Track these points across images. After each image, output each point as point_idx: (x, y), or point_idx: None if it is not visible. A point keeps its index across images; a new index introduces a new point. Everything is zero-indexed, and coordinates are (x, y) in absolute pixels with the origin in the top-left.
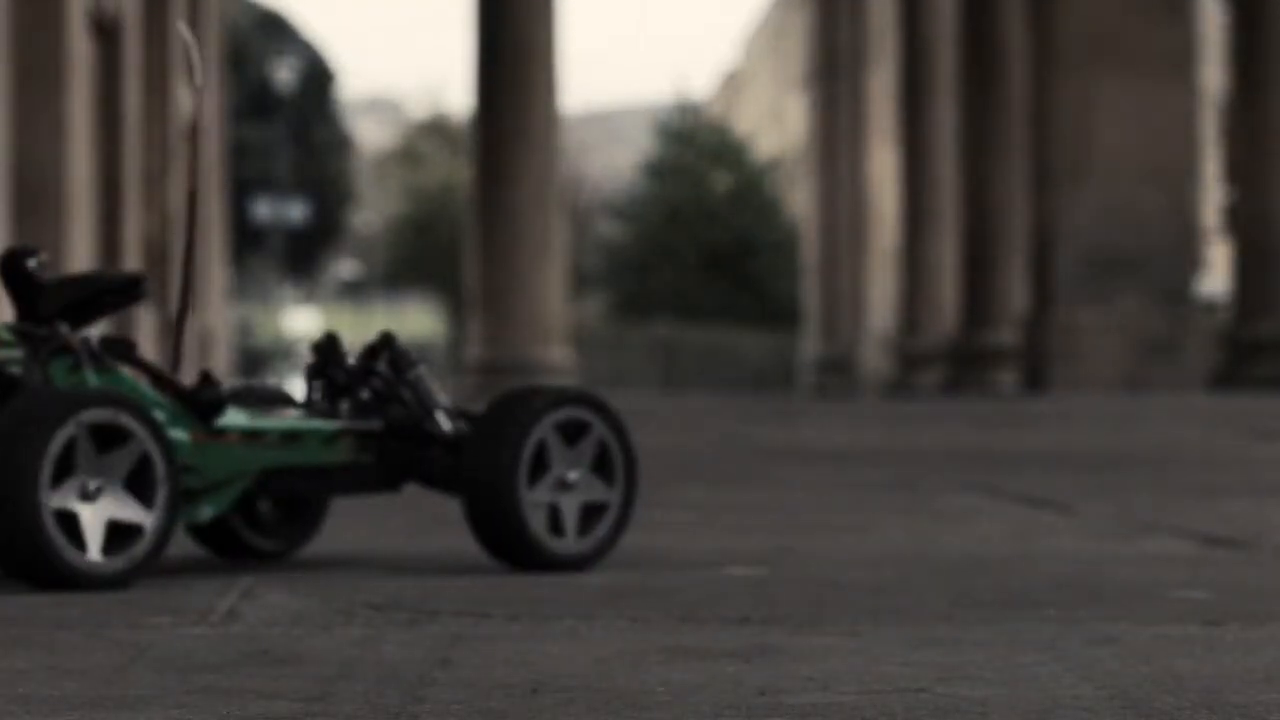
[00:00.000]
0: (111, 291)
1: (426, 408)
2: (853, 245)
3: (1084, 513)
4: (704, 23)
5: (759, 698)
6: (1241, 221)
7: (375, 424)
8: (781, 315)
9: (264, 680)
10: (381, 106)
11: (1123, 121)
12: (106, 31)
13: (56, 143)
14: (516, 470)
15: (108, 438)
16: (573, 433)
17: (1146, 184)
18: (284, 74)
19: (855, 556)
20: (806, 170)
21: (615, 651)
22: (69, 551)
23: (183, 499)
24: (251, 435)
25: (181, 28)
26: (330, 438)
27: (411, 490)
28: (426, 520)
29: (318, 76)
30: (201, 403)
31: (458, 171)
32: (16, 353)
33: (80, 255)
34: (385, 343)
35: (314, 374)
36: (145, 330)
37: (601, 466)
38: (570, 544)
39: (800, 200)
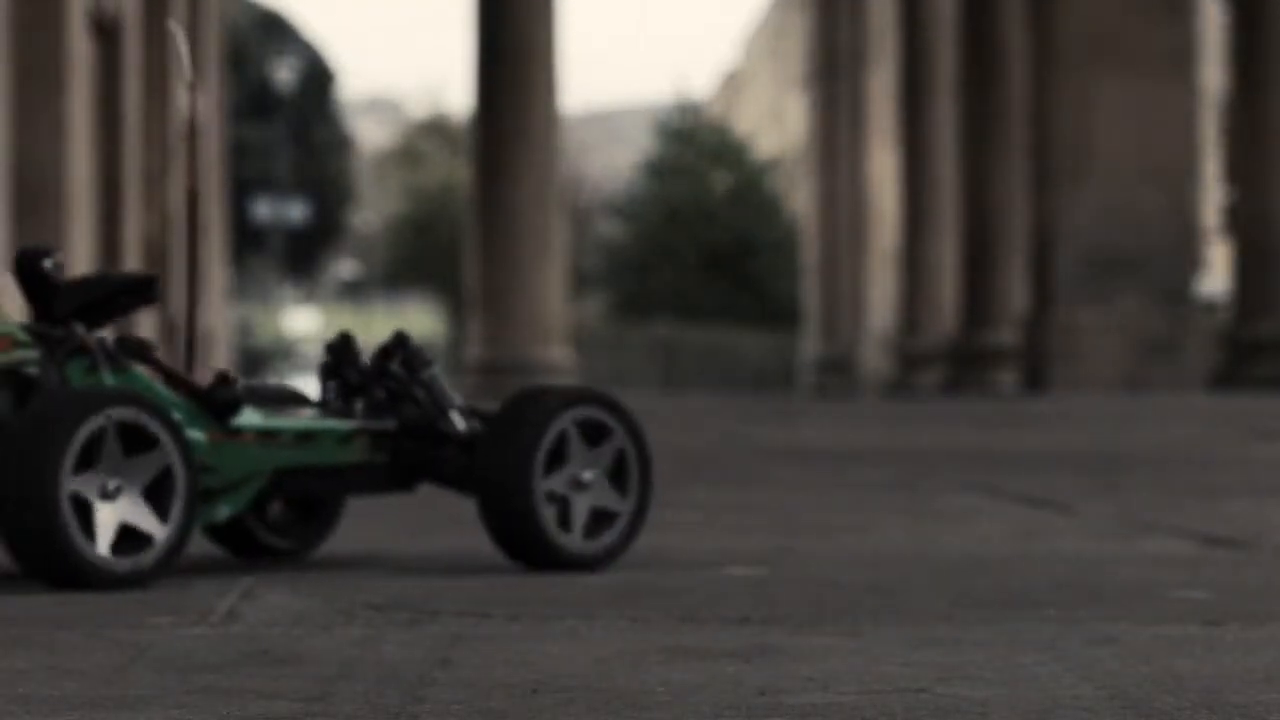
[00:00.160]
0: (125, 292)
1: (440, 407)
2: (853, 245)
3: (1084, 513)
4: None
5: (759, 698)
6: (1241, 221)
7: (389, 424)
8: (781, 315)
9: (264, 680)
10: (381, 106)
11: (1123, 121)
12: (106, 31)
13: (56, 143)
14: (530, 469)
15: (133, 442)
16: (594, 434)
17: (1146, 184)
18: (284, 74)
19: (855, 556)
20: (806, 170)
21: (615, 651)
22: (84, 547)
23: (200, 499)
24: (267, 435)
25: (172, 25)
26: (345, 437)
27: (418, 491)
28: (427, 520)
29: (318, 76)
30: (217, 402)
31: (458, 171)
32: (33, 353)
33: (80, 255)
34: (399, 343)
35: (328, 374)
36: (144, 329)
37: (618, 474)
38: (577, 541)
39: (800, 200)
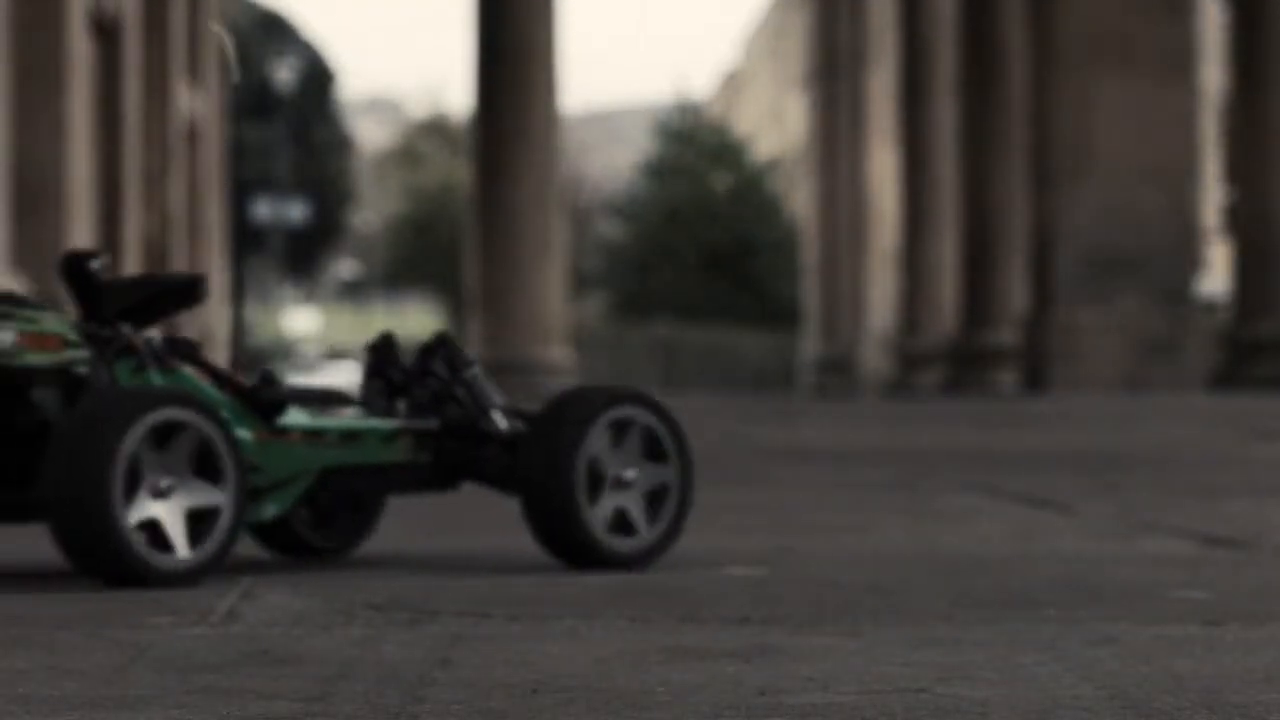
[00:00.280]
0: (171, 293)
1: (482, 407)
2: (853, 245)
3: (1084, 513)
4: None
5: (759, 698)
6: (1241, 221)
7: (432, 423)
8: (781, 315)
9: (264, 680)
10: (381, 106)
11: (1123, 121)
12: (106, 31)
13: (56, 143)
14: (573, 470)
15: (168, 434)
16: (620, 431)
17: (1146, 184)
18: (284, 74)
19: (855, 556)
20: (806, 170)
21: (615, 651)
22: (145, 550)
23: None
24: (313, 434)
25: (215, 26)
26: (389, 437)
27: (457, 490)
28: (427, 521)
29: (318, 76)
30: (263, 402)
31: (458, 171)
32: (83, 353)
33: None
34: (441, 342)
35: (370, 374)
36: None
37: (653, 452)
38: (641, 540)
39: (800, 200)
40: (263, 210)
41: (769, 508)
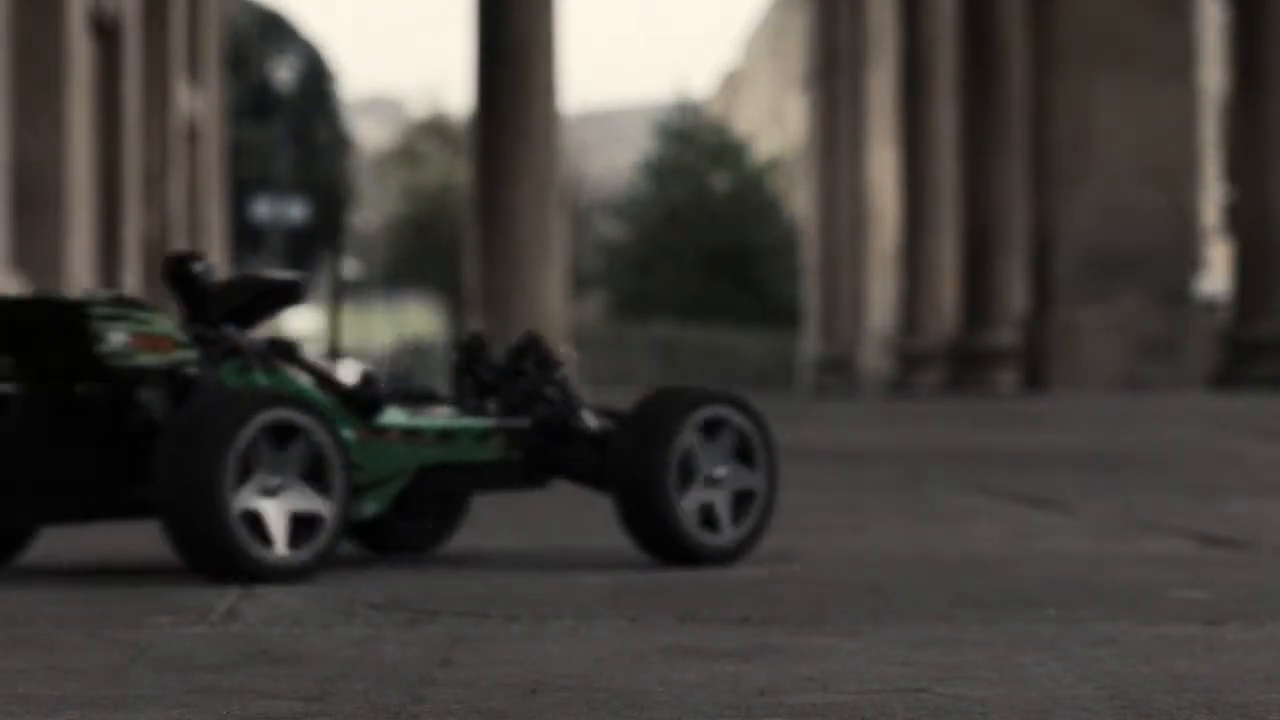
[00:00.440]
0: (272, 294)
1: (572, 406)
2: (853, 245)
3: (1084, 513)
4: (704, 23)
5: (759, 698)
6: (1241, 221)
7: (523, 422)
8: (781, 315)
9: (264, 680)
10: (381, 106)
11: (1123, 121)
12: (106, 31)
13: (56, 142)
14: (667, 468)
15: (283, 435)
16: (711, 429)
17: (1146, 184)
18: (284, 74)
19: (855, 556)
20: (806, 170)
21: (615, 651)
22: (254, 546)
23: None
24: (410, 433)
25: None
26: (482, 435)
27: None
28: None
29: (318, 76)
30: (363, 401)
31: (458, 171)
32: (193, 354)
33: (80, 255)
34: (532, 343)
35: (461, 373)
36: None
37: (744, 455)
38: (724, 537)
39: (800, 200)
40: (262, 210)
41: None
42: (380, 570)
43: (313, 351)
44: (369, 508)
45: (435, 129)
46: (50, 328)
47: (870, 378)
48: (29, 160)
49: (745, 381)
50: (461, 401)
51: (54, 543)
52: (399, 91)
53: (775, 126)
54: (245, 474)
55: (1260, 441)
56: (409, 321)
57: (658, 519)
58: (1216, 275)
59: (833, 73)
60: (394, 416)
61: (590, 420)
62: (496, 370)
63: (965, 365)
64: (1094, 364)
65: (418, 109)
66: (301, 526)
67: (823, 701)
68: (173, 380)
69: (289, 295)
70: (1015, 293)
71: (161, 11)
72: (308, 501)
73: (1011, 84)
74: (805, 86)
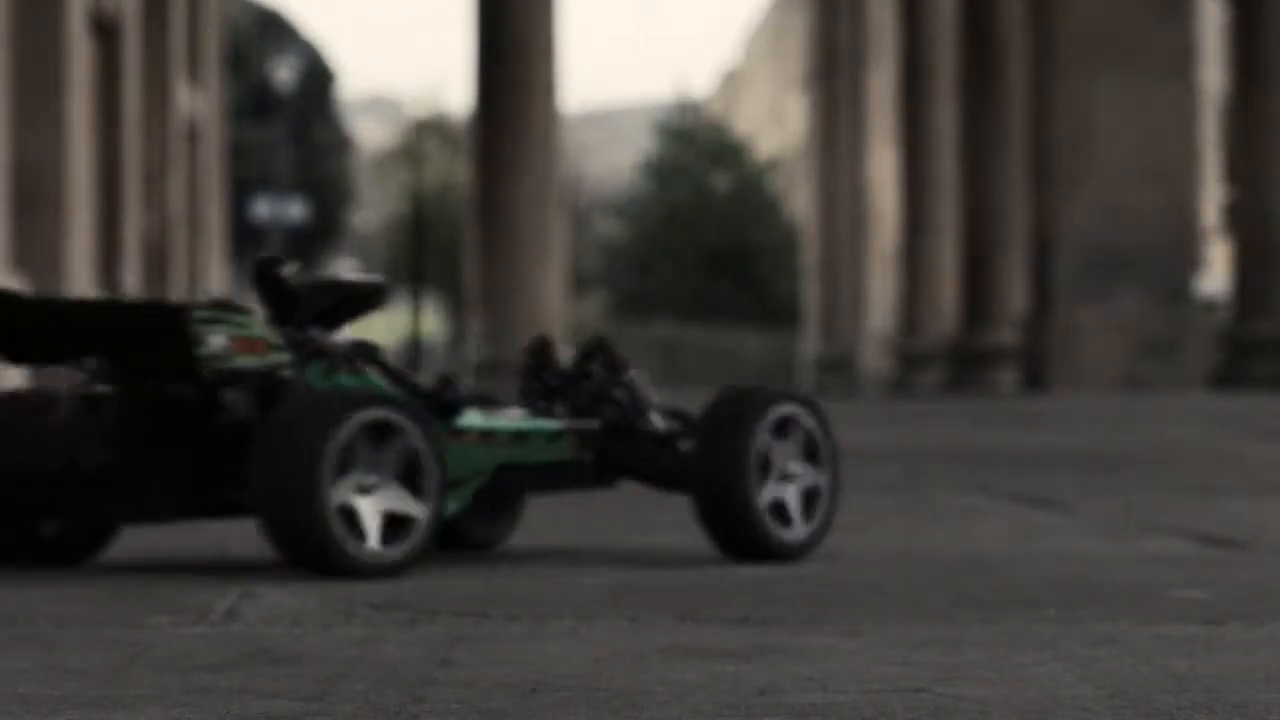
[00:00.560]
0: (356, 298)
1: (640, 408)
2: (853, 245)
3: (1084, 513)
4: (704, 23)
5: (759, 698)
6: (1241, 221)
7: (593, 424)
8: (781, 315)
9: (264, 680)
10: (381, 106)
11: (1123, 121)
12: (106, 31)
13: (56, 142)
14: (747, 468)
15: (380, 435)
16: (781, 428)
17: (1146, 184)
18: (284, 74)
19: (855, 556)
20: (806, 170)
21: (615, 651)
22: (349, 542)
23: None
24: (487, 434)
25: None
26: (554, 437)
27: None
28: None
29: (318, 76)
30: (443, 403)
31: (458, 171)
32: (287, 356)
33: (80, 255)
34: (600, 347)
35: (529, 376)
36: None
37: (810, 454)
38: (796, 532)
39: (800, 200)
40: (262, 209)
41: None
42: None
43: None
44: (450, 507)
45: (435, 129)
46: (151, 330)
47: (870, 377)
48: (29, 160)
49: (745, 381)
50: (530, 404)
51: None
52: (399, 91)
53: (775, 126)
54: (343, 471)
55: (1260, 441)
56: (409, 321)
57: (737, 516)
58: (1216, 275)
59: (833, 72)
60: (471, 418)
61: (658, 421)
62: (563, 374)
63: (965, 365)
64: (1094, 364)
65: (418, 109)
66: (394, 525)
67: (823, 701)
68: (268, 382)
69: (373, 298)
70: (1015, 293)
71: (161, 11)
72: (401, 501)
73: (1011, 84)
74: (805, 86)
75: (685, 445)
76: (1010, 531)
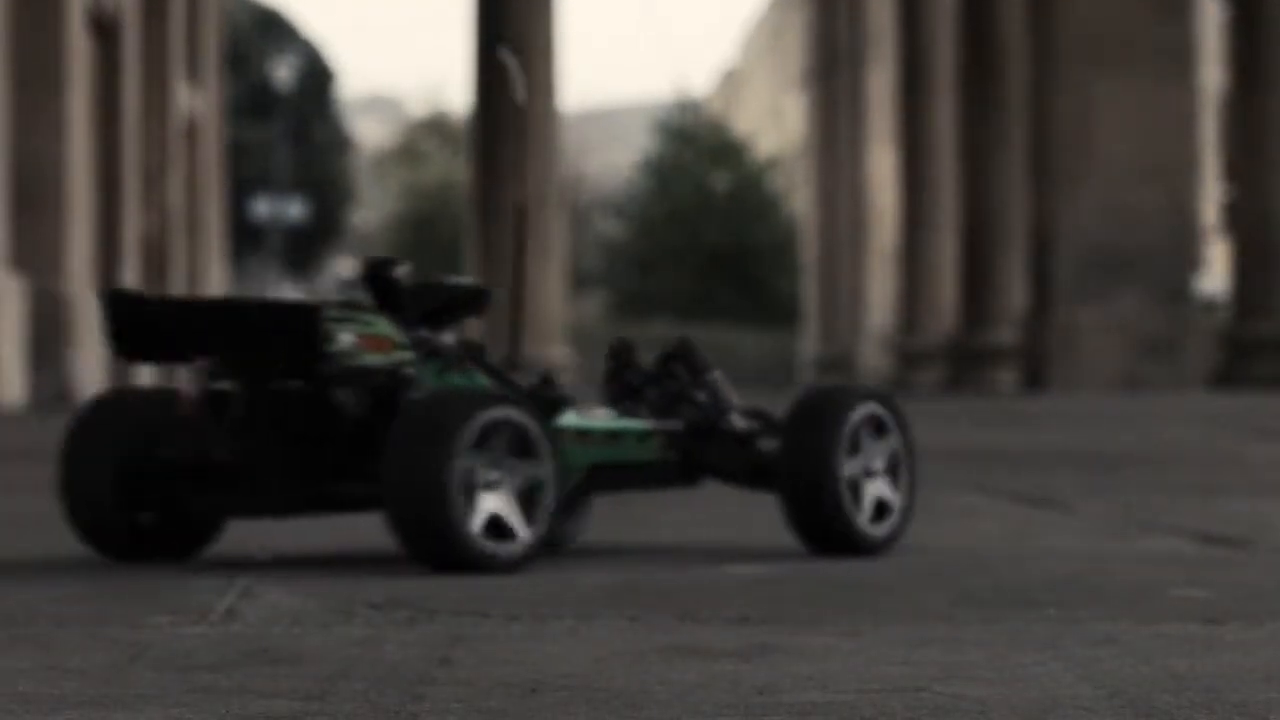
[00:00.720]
0: (462, 300)
1: (721, 408)
2: (853, 245)
3: (1084, 512)
4: (704, 22)
5: (758, 697)
6: (1241, 221)
7: (677, 424)
8: (781, 315)
9: (264, 680)
10: (381, 105)
11: (1123, 121)
12: (106, 30)
13: (56, 142)
14: (835, 462)
15: (486, 433)
16: (876, 429)
17: (1146, 184)
18: (284, 73)
19: (855, 556)
20: (806, 169)
21: (615, 651)
22: (482, 540)
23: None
24: (582, 434)
25: (504, 53)
26: (643, 436)
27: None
28: None
29: (317, 76)
30: (544, 402)
31: (457, 170)
32: (410, 355)
33: (79, 254)
34: (683, 348)
35: (611, 377)
36: None
37: (892, 469)
38: (882, 527)
39: (800, 199)
40: (262, 209)
41: (769, 505)
42: (380, 570)
43: None
44: None
45: (435, 128)
46: (283, 329)
47: (870, 376)
48: (28, 159)
49: (745, 380)
50: (616, 404)
51: (54, 542)
52: (399, 91)
53: (774, 125)
54: (470, 475)
55: (1260, 441)
56: None
57: (829, 513)
58: (1216, 275)
59: (832, 72)
60: (568, 417)
61: (739, 422)
62: (645, 374)
63: (965, 364)
64: (1094, 363)
65: (417, 108)
66: (529, 500)
67: (822, 701)
68: (391, 380)
69: (478, 301)
70: (1015, 292)
71: (161, 10)
72: (526, 472)
73: (1011, 84)
74: (804, 85)
75: (766, 444)
76: (1010, 531)
